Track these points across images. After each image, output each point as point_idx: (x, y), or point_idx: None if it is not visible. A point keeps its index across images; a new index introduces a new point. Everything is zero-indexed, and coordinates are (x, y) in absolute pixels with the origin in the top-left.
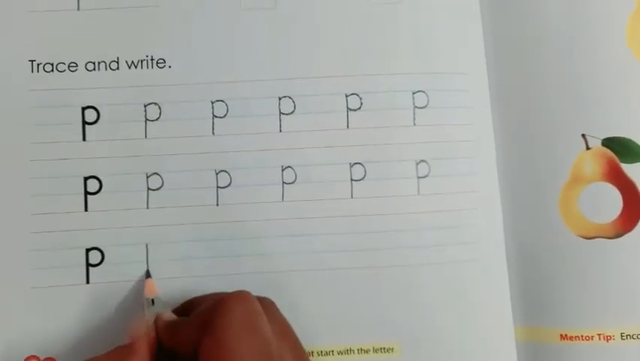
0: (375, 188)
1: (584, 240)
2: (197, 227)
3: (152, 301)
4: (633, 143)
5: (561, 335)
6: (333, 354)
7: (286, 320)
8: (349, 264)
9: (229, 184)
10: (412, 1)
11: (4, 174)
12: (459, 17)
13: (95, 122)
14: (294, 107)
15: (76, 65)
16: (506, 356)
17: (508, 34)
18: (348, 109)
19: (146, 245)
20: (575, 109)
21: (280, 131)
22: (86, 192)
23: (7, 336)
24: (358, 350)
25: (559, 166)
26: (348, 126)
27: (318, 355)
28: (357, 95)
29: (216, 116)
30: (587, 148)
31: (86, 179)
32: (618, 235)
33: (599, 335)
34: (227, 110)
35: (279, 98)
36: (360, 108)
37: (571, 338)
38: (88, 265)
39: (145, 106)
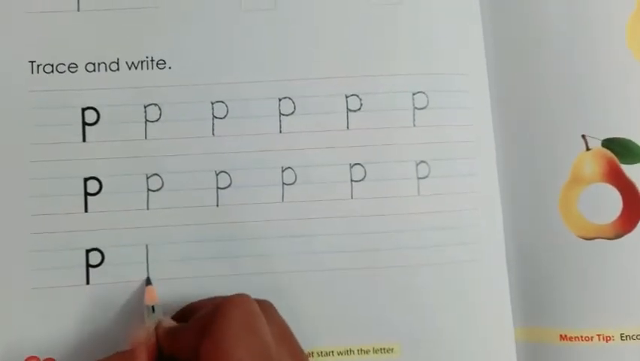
0: (375, 189)
1: (584, 240)
2: (198, 228)
3: (153, 308)
4: (633, 144)
5: (561, 336)
6: (333, 355)
7: (285, 323)
8: (349, 264)
9: (229, 185)
10: (411, 2)
11: (4, 175)
12: (459, 18)
13: (95, 123)
14: (294, 108)
15: (77, 66)
16: (506, 356)
17: (508, 35)
18: (348, 110)
19: (146, 246)
20: (575, 110)
21: (280, 132)
22: (86, 193)
23: (7, 336)
24: (358, 350)
25: (559, 167)
26: (348, 127)
27: (318, 356)
28: (357, 95)
29: (216, 117)
30: (587, 149)
31: (86, 180)
32: (618, 236)
33: (598, 335)
34: (228, 111)
35: (279, 99)
36: (360, 109)
37: (570, 338)
38: (88, 265)
39: (145, 107)
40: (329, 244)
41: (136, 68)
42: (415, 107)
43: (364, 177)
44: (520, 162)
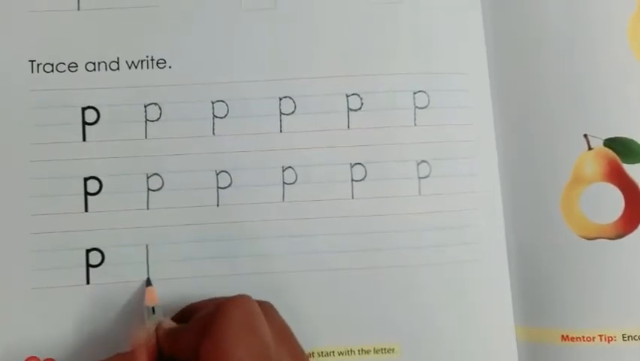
0: (376, 188)
1: (586, 240)
2: (198, 228)
3: (153, 309)
4: (635, 143)
5: (562, 336)
6: (333, 355)
7: (286, 324)
8: (350, 264)
9: (229, 185)
10: (412, 1)
11: (4, 174)
12: (460, 17)
13: (95, 122)
14: (295, 107)
15: (77, 66)
16: (507, 356)
17: (509, 35)
18: (349, 109)
19: (147, 246)
20: (577, 109)
21: (281, 131)
22: (86, 193)
23: (7, 337)
24: (359, 350)
25: (560, 166)
26: (348, 127)
27: (319, 356)
28: (358, 95)
29: (217, 117)
30: (589, 148)
31: (86, 179)
32: (619, 236)
33: (600, 335)
34: (228, 111)
35: (280, 99)
36: (360, 108)
37: (572, 338)
38: (88, 265)
39: (145, 106)
40: (329, 244)
41: (136, 67)
42: (416, 107)
43: (365, 176)
44: (521, 162)
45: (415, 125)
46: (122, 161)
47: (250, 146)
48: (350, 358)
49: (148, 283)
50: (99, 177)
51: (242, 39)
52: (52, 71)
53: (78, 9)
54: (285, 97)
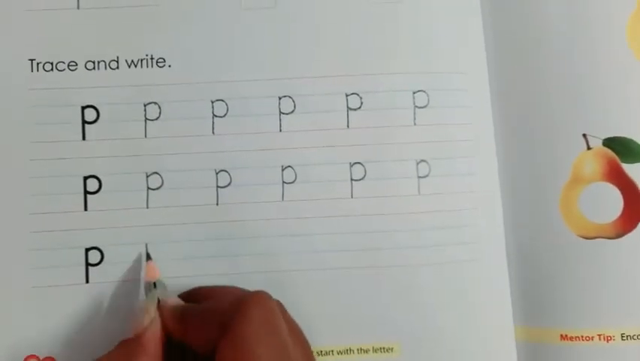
0: (376, 188)
1: (585, 240)
2: (197, 227)
3: (154, 285)
4: (634, 143)
5: (561, 336)
6: (332, 354)
7: (295, 322)
8: (349, 264)
9: (229, 184)
10: (412, 1)
11: (3, 173)
12: (459, 16)
13: (95, 121)
14: (294, 106)
15: (76, 64)
16: (506, 356)
17: (508, 34)
18: (349, 108)
19: (146, 245)
20: (576, 109)
21: (280, 130)
22: (86, 192)
23: (6, 335)
24: (358, 349)
25: (559, 166)
26: (348, 126)
27: (318, 355)
28: (358, 94)
29: (216, 116)
30: (588, 148)
31: (85, 178)
32: (619, 235)
33: (599, 335)
34: (227, 110)
35: (279, 98)
36: (360, 108)
37: (571, 338)
38: (87, 264)
39: (145, 105)
40: (329, 243)
41: (136, 66)
42: (416, 106)
43: (364, 176)
44: (520, 162)
45: (415, 124)
46: (122, 160)
47: (250, 145)
48: (349, 357)
49: (147, 257)
50: (99, 175)
51: (242, 38)
52: (52, 69)
53: (78, 8)
54: (285, 96)
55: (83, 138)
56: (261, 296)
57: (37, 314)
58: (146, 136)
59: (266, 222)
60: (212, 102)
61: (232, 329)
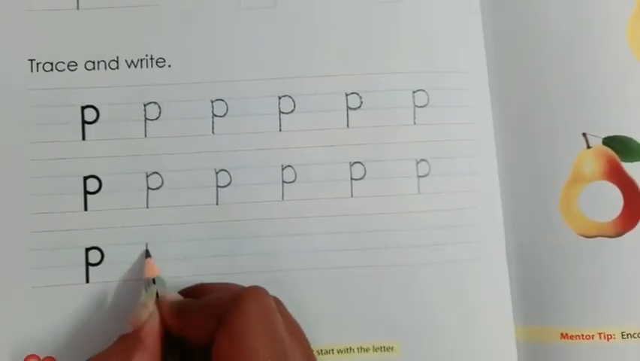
0: (376, 187)
1: (585, 239)
2: (197, 226)
3: (153, 281)
4: (634, 142)
5: (561, 335)
6: (332, 353)
7: (294, 318)
8: (349, 263)
9: (229, 183)
10: (412, 0)
11: (3, 173)
12: (459, 16)
13: (95, 121)
14: (294, 106)
15: (76, 65)
16: (506, 355)
17: (508, 33)
18: (348, 108)
19: (146, 244)
20: (576, 108)
21: (280, 130)
22: (86, 192)
23: (7, 335)
24: (358, 348)
25: (559, 165)
26: (348, 125)
27: (318, 354)
28: (357, 94)
29: (216, 116)
30: (588, 147)
31: (85, 178)
32: (619, 234)
33: (599, 334)
34: (227, 110)
35: (279, 97)
36: (360, 107)
37: (571, 337)
38: (87, 264)
39: (145, 105)
40: (329, 243)
41: (135, 66)
42: (416, 105)
43: (364, 175)
44: (520, 161)
45: (415, 123)
46: (122, 160)
47: (249, 145)
48: (349, 356)
49: (147, 254)
50: (99, 175)
51: (241, 38)
52: (52, 70)
53: (77, 8)
54: (285, 96)
55: (83, 138)
56: (257, 291)
57: (37, 314)
58: (145, 136)
59: (266, 221)
60: (212, 102)
61: (228, 322)
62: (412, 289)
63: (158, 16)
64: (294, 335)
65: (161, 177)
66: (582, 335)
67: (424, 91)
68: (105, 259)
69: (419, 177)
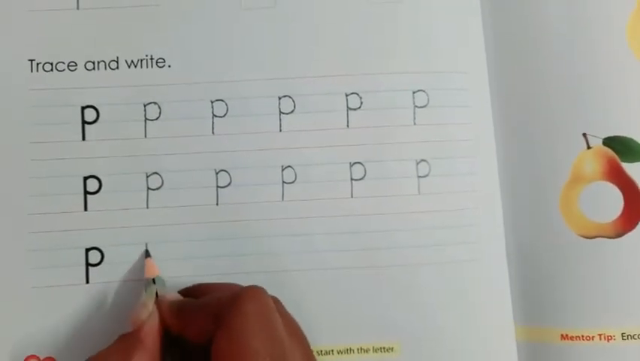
0: (376, 187)
1: (585, 239)
2: (197, 227)
3: (153, 281)
4: (634, 142)
5: (562, 335)
6: (332, 353)
7: (293, 318)
8: (349, 263)
9: (229, 184)
10: (411, 0)
11: (3, 173)
12: (459, 16)
13: (95, 121)
14: (294, 106)
15: (76, 65)
16: (507, 356)
17: (508, 33)
18: (348, 108)
19: (146, 245)
20: (576, 108)
21: (280, 130)
22: (86, 192)
23: (7, 336)
24: (358, 349)
25: (559, 165)
26: (348, 126)
27: (318, 354)
28: (357, 94)
29: (216, 116)
30: (588, 147)
31: (85, 178)
32: (619, 235)
33: (599, 335)
34: (227, 110)
35: (279, 98)
36: (360, 107)
37: (571, 338)
38: (87, 264)
39: (144, 105)
40: (329, 243)
41: (135, 66)
42: (416, 106)
43: (364, 175)
44: (520, 161)
45: (415, 124)
46: (122, 160)
47: (249, 145)
48: (349, 356)
49: (147, 254)
50: (99, 176)
51: (241, 38)
52: (52, 70)
53: (77, 8)
54: (285, 96)
55: (83, 138)
56: (255, 291)
57: (37, 314)
58: (145, 136)
59: (266, 222)
60: (212, 102)
61: (227, 321)
62: (412, 289)
63: (158, 16)
64: (293, 335)
65: (161, 178)
66: (582, 336)
67: (423, 91)
68: (105, 259)
69: (419, 177)
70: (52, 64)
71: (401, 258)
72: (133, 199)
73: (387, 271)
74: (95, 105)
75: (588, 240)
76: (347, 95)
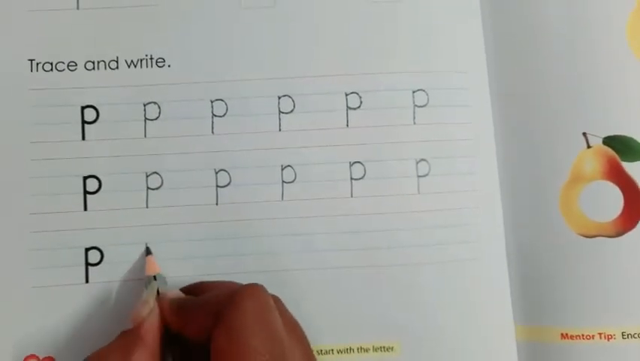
0: (375, 187)
1: (585, 239)
2: (197, 226)
3: (155, 278)
4: (634, 141)
5: (562, 335)
6: (332, 353)
7: (293, 316)
8: (349, 263)
9: (229, 183)
10: (411, 0)
11: (3, 173)
12: (459, 15)
13: (95, 121)
14: (294, 106)
15: (76, 64)
16: (507, 355)
17: (508, 33)
18: (348, 108)
19: (146, 244)
20: (576, 108)
21: (280, 130)
22: (86, 192)
23: (6, 335)
24: (358, 348)
25: (559, 165)
26: (347, 125)
27: (318, 353)
28: (357, 93)
29: (216, 116)
30: (588, 147)
31: (85, 178)
32: (619, 234)
33: (599, 334)
34: (227, 110)
35: (279, 97)
36: (359, 107)
37: (572, 337)
38: (87, 264)
39: (144, 105)
40: (329, 243)
41: (135, 66)
42: (415, 105)
43: (364, 175)
44: (520, 160)
45: (414, 123)
46: (122, 160)
47: (249, 144)
48: (349, 356)
49: (148, 252)
50: (98, 175)
51: (241, 37)
52: (52, 69)
53: (77, 8)
54: (284, 95)
55: (83, 137)
56: (254, 289)
57: (37, 314)
58: (145, 136)
59: (266, 221)
60: (212, 102)
61: (226, 319)
62: (412, 289)
63: (158, 16)
64: (292, 333)
65: (161, 177)
66: (582, 335)
67: (423, 91)
68: (105, 259)
69: (419, 176)
70: (52, 64)
71: (401, 257)
72: (133, 199)
73: (387, 271)
74: (95, 105)
75: (588, 239)
76: (347, 95)
